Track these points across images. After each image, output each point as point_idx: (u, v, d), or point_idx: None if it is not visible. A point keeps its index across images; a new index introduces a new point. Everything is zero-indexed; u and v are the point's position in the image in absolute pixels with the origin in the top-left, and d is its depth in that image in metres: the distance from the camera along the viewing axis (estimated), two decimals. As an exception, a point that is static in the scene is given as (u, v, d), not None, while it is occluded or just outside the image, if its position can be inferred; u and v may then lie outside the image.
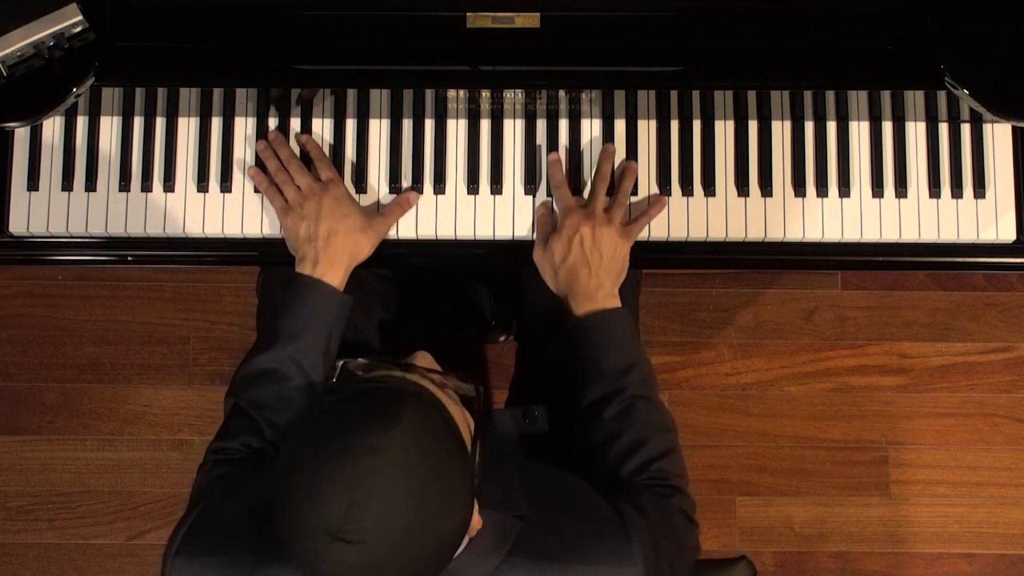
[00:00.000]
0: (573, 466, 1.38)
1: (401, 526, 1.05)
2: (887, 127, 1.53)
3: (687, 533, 1.37)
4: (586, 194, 1.52)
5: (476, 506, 1.15)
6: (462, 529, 1.12)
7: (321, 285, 1.42)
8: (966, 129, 1.53)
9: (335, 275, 1.43)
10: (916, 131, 1.53)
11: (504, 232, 1.52)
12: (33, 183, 1.52)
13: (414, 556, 1.07)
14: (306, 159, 1.52)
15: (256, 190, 1.53)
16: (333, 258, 1.43)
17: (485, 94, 1.49)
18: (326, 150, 1.52)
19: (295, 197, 1.47)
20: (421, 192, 1.52)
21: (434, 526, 1.08)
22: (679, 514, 1.36)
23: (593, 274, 1.43)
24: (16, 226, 1.53)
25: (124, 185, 1.53)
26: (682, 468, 1.41)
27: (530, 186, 1.52)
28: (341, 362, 1.26)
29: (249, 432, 1.39)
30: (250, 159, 1.53)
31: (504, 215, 1.52)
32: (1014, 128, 1.53)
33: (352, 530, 1.04)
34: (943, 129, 1.53)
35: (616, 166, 1.52)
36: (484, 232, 1.53)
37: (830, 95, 1.51)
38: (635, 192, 1.53)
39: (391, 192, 1.53)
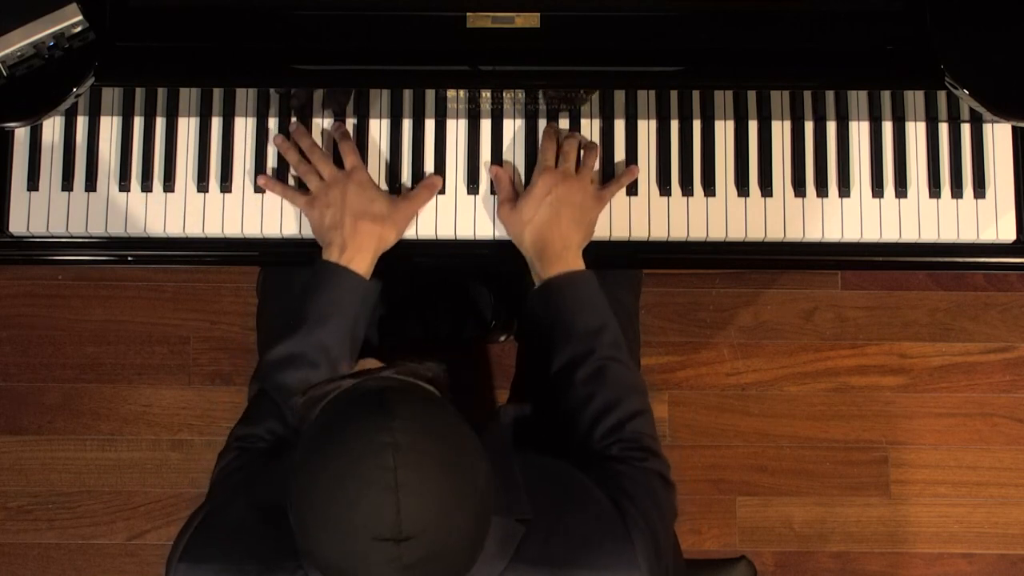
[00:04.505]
0: (558, 449, 1.37)
1: (438, 510, 1.03)
2: (887, 127, 1.53)
3: (666, 496, 1.35)
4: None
5: None
6: (489, 491, 1.09)
7: (347, 272, 1.42)
8: (966, 129, 1.53)
9: (362, 262, 1.43)
10: (916, 131, 1.53)
11: (504, 232, 1.52)
12: (33, 183, 1.52)
13: (455, 533, 1.05)
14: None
15: (257, 190, 1.53)
16: (360, 245, 1.43)
17: (485, 94, 1.49)
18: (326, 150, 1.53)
19: (318, 186, 1.47)
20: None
21: (466, 494, 1.06)
22: (656, 478, 1.35)
23: (562, 234, 1.44)
24: (16, 226, 1.53)
25: (124, 185, 1.53)
26: (654, 429, 1.40)
27: (530, 186, 1.52)
28: (301, 398, 1.21)
29: (274, 418, 1.38)
30: (250, 159, 1.53)
31: (504, 215, 1.52)
32: (1014, 128, 1.53)
33: (401, 529, 1.02)
34: (943, 129, 1.53)
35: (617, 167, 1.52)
36: (484, 232, 1.53)
37: (830, 95, 1.51)
38: (635, 192, 1.53)
39: (391, 192, 1.52)
